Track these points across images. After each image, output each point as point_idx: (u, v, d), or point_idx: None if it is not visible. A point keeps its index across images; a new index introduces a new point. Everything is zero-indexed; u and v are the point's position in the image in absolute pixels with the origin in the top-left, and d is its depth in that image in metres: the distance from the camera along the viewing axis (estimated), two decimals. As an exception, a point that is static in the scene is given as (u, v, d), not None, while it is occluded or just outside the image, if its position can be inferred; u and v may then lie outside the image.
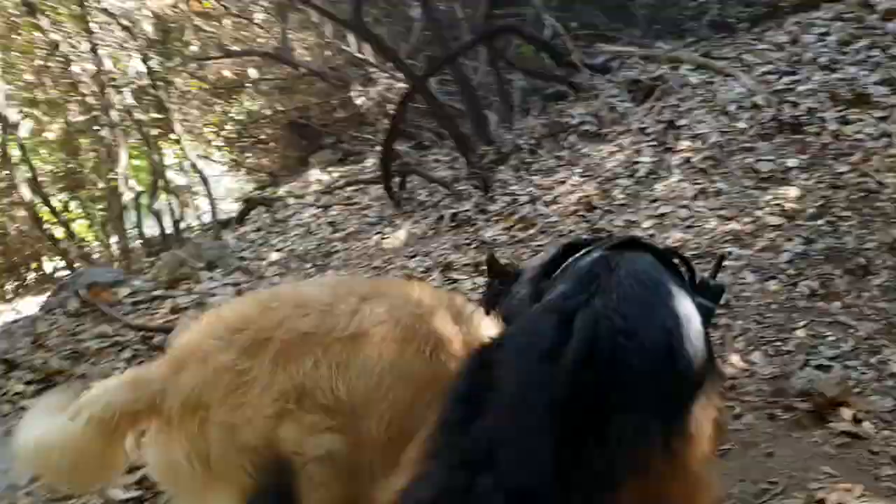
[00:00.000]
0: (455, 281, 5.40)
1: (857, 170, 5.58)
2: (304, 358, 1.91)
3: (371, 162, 10.12)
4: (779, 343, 3.82)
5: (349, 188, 9.26)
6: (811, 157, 5.93)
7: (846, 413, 3.10)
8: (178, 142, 12.49)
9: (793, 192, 5.54)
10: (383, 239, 7.14)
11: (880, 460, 2.82)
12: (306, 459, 1.85)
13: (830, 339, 3.77)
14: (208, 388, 1.85)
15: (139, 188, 14.90)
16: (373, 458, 1.95)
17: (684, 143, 6.86)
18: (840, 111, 6.31)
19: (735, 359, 3.68)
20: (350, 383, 1.93)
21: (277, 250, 7.95)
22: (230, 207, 13.14)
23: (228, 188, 15.38)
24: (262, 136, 14.62)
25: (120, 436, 1.86)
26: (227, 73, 13.82)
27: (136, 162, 15.87)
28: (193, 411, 1.84)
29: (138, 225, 14.54)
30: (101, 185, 14.17)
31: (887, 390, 3.30)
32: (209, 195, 10.98)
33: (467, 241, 6.45)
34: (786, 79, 7.00)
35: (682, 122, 7.22)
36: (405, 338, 2.01)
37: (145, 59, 11.34)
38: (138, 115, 12.26)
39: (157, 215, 14.64)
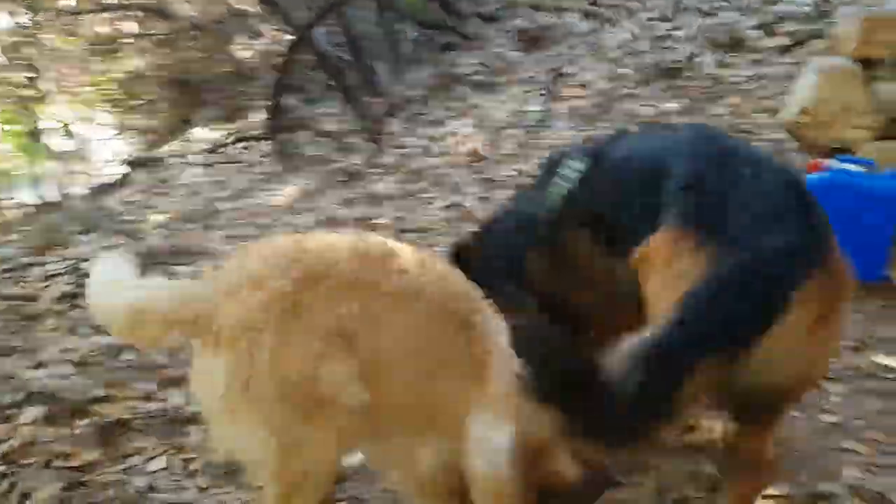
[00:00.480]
0: (344, 236, 5.30)
1: (733, 112, 5.75)
2: (353, 302, 1.87)
3: (258, 117, 9.79)
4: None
5: (235, 145, 8.95)
6: (690, 100, 6.06)
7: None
8: (51, 102, 11.77)
9: (674, 135, 5.64)
10: (271, 196, 6.94)
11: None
12: (338, 406, 1.84)
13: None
14: (262, 311, 1.79)
15: (13, 152, 14.08)
16: (387, 419, 1.97)
17: (571, 91, 6.91)
18: (718, 55, 6.46)
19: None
20: (389, 340, 1.92)
21: (162, 212, 7.63)
22: (115, 170, 12.55)
23: (114, 151, 14.64)
24: (146, 95, 13.94)
25: (144, 333, 1.84)
26: (103, 29, 13.08)
27: (8, 126, 14.96)
28: (244, 332, 1.78)
29: (14, 192, 13.74)
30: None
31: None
32: (88, 158, 10.42)
33: (357, 196, 6.34)
34: (667, 24, 7.11)
35: (570, 69, 7.27)
36: (440, 315, 2.00)
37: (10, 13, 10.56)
38: (7, 75, 11.47)
39: (36, 181, 13.88)
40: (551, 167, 2.55)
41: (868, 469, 2.35)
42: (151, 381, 3.26)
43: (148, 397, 3.13)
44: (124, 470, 2.63)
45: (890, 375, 2.92)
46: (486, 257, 2.60)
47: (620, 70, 6.86)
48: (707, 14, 7.10)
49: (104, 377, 3.26)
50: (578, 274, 2.41)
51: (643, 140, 2.47)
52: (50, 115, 13.93)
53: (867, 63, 4.93)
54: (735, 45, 6.48)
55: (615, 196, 2.26)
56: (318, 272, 1.88)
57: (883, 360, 3.04)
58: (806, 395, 2.23)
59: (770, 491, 2.27)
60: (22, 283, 4.78)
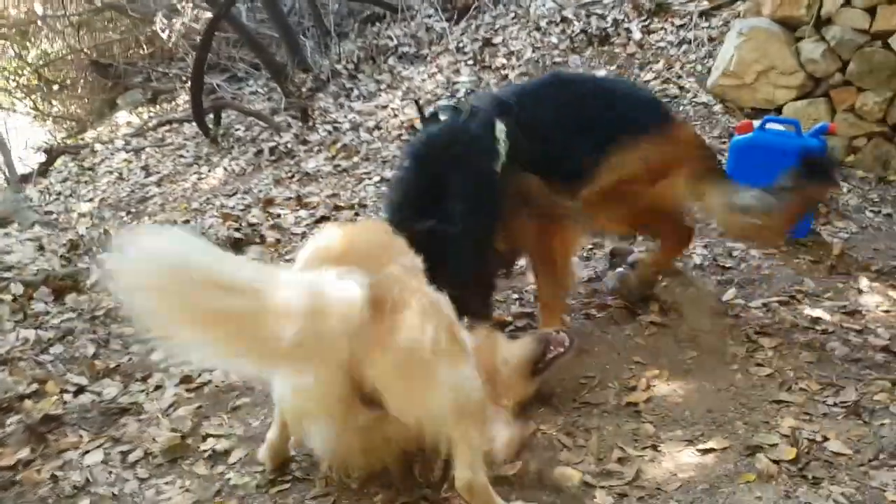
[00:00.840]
0: (277, 216, 5.19)
1: (661, 76, 5.81)
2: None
3: (183, 99, 9.54)
4: (591, 248, 3.95)
5: (161, 129, 8.70)
6: (618, 66, 6.11)
7: (654, 305, 3.25)
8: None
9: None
10: (200, 179, 6.77)
11: (683, 345, 2.97)
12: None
13: (640, 238, 3.91)
14: (407, 275, 2.03)
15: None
16: None
17: (500, 61, 6.89)
18: (644, 21, 6.52)
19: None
20: None
21: (88, 200, 7.38)
22: (35, 159, 12.05)
23: (27, 138, 14.04)
24: (64, 81, 13.42)
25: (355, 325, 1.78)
26: (14, 11, 12.52)
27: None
28: (414, 293, 1.96)
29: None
30: None
31: (691, 280, 3.49)
32: (2, 147, 9.97)
33: (289, 175, 6.22)
34: (592, -8, 7.13)
35: (498, 39, 7.24)
36: None
37: None
38: None
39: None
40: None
41: (802, 418, 2.42)
42: (82, 373, 3.15)
43: (80, 390, 3.02)
44: (59, 466, 2.53)
45: (819, 327, 3.02)
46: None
47: (548, 38, 6.86)
48: (630, -20, 7.15)
49: (32, 372, 3.14)
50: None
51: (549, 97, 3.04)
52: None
53: (788, 24, 5.04)
54: (659, 10, 6.53)
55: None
56: (402, 249, 2.21)
57: (812, 312, 3.14)
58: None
59: (709, 444, 2.32)
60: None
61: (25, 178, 8.96)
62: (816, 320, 3.08)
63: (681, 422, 2.47)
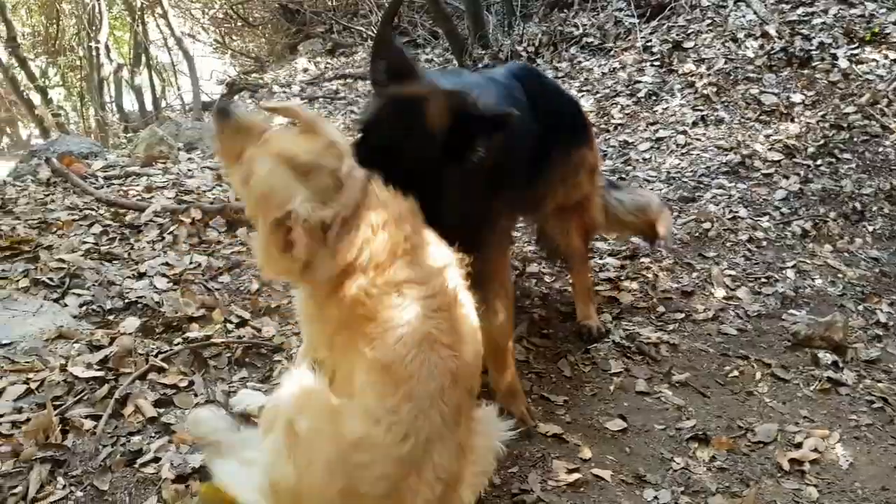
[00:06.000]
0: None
1: (862, 112, 5.41)
2: None
3: (361, 56, 9.75)
4: (765, 281, 3.72)
5: (336, 81, 8.92)
6: (817, 93, 5.74)
7: (828, 359, 3.02)
8: (164, 16, 11.95)
9: (794, 128, 5.37)
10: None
11: (859, 408, 2.76)
12: None
13: (818, 282, 3.68)
14: None
15: (120, 60, 14.43)
16: None
17: (689, 67, 6.62)
18: (854, 48, 6.09)
19: (720, 293, 3.58)
20: None
21: (259, 139, 7.67)
22: (213, 90, 12.70)
23: (212, 70, 14.82)
24: (251, 19, 14.04)
25: None
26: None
27: (118, 33, 15.32)
28: None
29: (117, 98, 14.11)
30: (81, 53, 13.60)
31: (872, 339, 3.23)
32: (192, 75, 10.55)
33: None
34: (801, 9, 6.73)
35: (689, 44, 6.96)
36: None
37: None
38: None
39: (138, 91, 14.20)
40: None
41: None
42: (245, 307, 3.26)
43: (242, 323, 3.12)
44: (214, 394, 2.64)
45: None
46: None
47: (743, 52, 6.52)
48: (845, 2, 6.67)
49: (202, 297, 3.28)
50: None
51: None
52: (159, 29, 14.15)
53: None
54: (874, 39, 6.08)
55: None
56: None
57: None
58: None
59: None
60: (124, 192, 4.82)
61: (206, 107, 9.44)
62: None
63: (849, 493, 2.29)
